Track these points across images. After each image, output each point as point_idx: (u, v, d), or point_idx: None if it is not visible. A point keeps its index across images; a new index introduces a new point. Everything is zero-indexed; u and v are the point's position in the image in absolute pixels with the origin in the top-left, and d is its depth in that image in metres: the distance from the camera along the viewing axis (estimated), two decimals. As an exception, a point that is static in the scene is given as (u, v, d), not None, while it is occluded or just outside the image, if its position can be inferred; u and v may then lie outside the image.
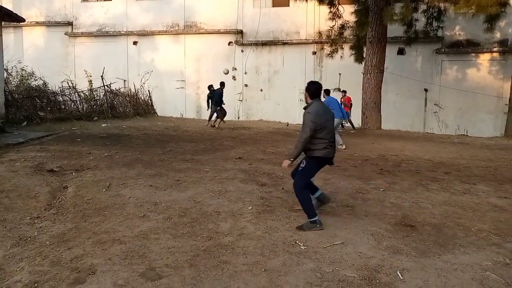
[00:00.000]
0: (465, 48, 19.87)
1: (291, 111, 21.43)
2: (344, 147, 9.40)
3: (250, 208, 4.68)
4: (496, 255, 3.60)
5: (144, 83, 16.73)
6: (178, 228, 4.07)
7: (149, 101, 17.16)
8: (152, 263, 3.34)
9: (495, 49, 19.47)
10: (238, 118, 20.19)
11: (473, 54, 19.90)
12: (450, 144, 11.11)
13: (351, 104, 14.88)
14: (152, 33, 22.94)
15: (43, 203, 4.92)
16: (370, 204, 5.03)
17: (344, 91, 15.12)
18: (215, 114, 13.50)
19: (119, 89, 16.58)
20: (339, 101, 10.37)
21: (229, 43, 22.40)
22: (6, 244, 3.78)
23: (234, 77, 22.23)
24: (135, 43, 23.23)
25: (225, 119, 13.87)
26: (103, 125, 12.43)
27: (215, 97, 13.29)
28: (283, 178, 6.06)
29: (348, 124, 14.27)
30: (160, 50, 22.94)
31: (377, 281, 3.11)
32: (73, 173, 6.08)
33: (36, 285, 3.03)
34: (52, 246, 3.72)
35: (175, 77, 22.74)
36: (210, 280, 3.07)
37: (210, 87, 14.36)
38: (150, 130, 11.59)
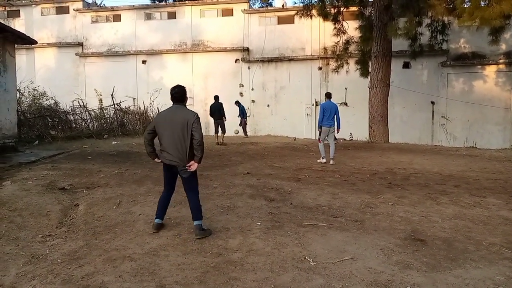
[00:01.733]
0: (471, 61, 19.88)
1: (298, 125, 21.52)
2: (324, 161, 8.92)
3: (259, 224, 4.70)
4: (509, 270, 3.56)
5: (153, 101, 16.98)
6: (188, 245, 4.09)
7: (158, 118, 17.38)
8: (162, 280, 3.36)
9: (501, 60, 19.43)
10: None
11: (479, 66, 19.89)
12: (458, 156, 11.02)
13: None
14: (160, 52, 23.42)
15: (55, 221, 4.99)
16: (379, 218, 5.01)
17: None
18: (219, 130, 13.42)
19: (129, 107, 16.87)
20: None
21: (236, 61, 22.75)
22: (19, 263, 3.84)
23: (241, 94, 22.48)
24: (144, 62, 23.72)
25: (229, 134, 13.75)
26: (113, 142, 12.60)
27: (219, 110, 13.15)
28: (292, 193, 6.08)
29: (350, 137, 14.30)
30: (168, 69, 23.36)
31: (388, 296, 3.09)
32: (84, 191, 6.17)
33: (48, 302, 3.06)
34: (64, 264, 3.76)
35: (183, 95, 23.07)
36: (220, 297, 3.08)
37: (237, 103, 14.52)
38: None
